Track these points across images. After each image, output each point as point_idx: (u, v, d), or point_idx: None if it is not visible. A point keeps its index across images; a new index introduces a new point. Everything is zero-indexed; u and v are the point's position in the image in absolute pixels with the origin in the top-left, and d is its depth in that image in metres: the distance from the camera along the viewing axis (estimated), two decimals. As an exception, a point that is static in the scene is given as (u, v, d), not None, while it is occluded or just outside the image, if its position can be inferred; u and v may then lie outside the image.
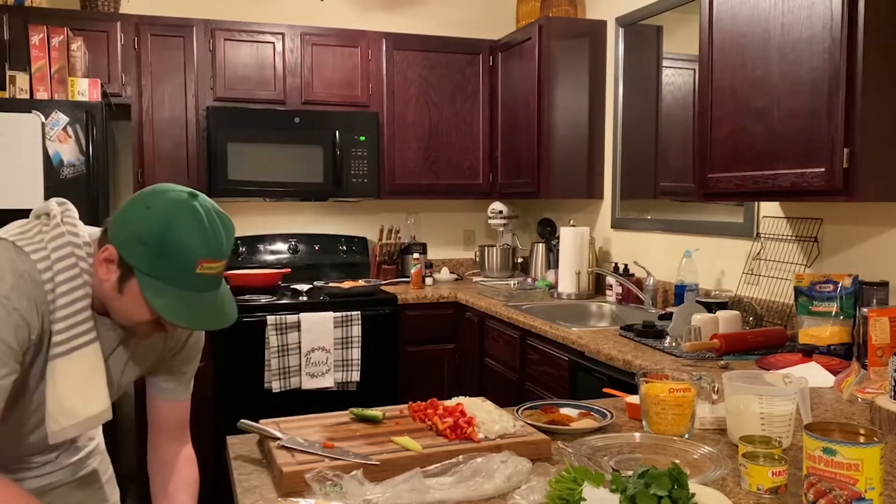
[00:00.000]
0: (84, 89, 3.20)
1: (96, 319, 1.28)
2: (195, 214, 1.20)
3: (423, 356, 3.74)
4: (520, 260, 4.28)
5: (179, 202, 1.21)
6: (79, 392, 1.24)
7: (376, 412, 1.51)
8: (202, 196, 1.25)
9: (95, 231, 1.33)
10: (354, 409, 1.53)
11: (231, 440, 1.49)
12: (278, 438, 1.37)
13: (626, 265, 3.41)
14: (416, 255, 4.07)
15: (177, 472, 1.50)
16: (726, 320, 2.33)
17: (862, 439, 1.12)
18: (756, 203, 2.69)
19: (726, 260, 2.86)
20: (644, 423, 1.52)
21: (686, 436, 1.47)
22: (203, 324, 1.26)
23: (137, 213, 1.21)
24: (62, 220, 1.27)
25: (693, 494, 1.05)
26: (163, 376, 1.48)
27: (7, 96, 3.12)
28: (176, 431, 1.53)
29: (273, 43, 3.77)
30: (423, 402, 1.56)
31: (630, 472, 1.11)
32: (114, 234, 1.22)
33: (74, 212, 1.31)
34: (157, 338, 1.39)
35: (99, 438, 1.61)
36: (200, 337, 1.51)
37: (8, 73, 3.14)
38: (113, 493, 1.61)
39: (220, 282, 1.27)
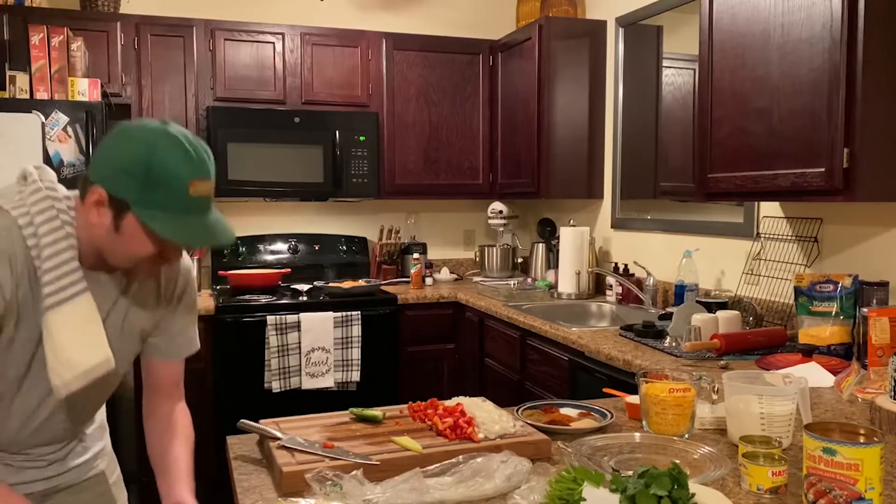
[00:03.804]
0: (84, 89, 3.20)
1: (89, 276, 1.28)
2: (175, 139, 1.21)
3: (423, 356, 3.74)
4: (520, 260, 4.28)
5: (156, 129, 1.21)
6: (76, 343, 1.24)
7: (376, 412, 1.51)
8: (173, 123, 1.25)
9: (72, 193, 1.33)
10: (354, 409, 1.53)
11: (231, 440, 1.49)
12: (278, 438, 1.37)
13: (626, 265, 3.41)
14: (416, 255, 4.07)
15: (171, 425, 1.49)
16: (726, 320, 2.33)
17: (862, 439, 1.12)
18: (756, 203, 2.69)
19: (726, 260, 2.86)
20: (644, 423, 1.52)
21: (686, 436, 1.47)
22: (207, 241, 1.26)
23: (118, 148, 1.21)
24: (40, 180, 1.27)
25: (693, 494, 1.05)
26: (158, 337, 1.48)
27: (7, 96, 3.11)
28: (170, 389, 1.53)
29: (273, 43, 3.77)
30: (423, 402, 1.56)
31: (630, 472, 1.11)
32: (98, 175, 1.22)
33: (52, 174, 1.31)
34: (152, 291, 1.40)
35: (106, 440, 1.62)
36: (193, 292, 1.52)
37: (8, 73, 3.14)
38: (120, 495, 1.62)
39: (211, 204, 1.27)
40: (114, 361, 1.29)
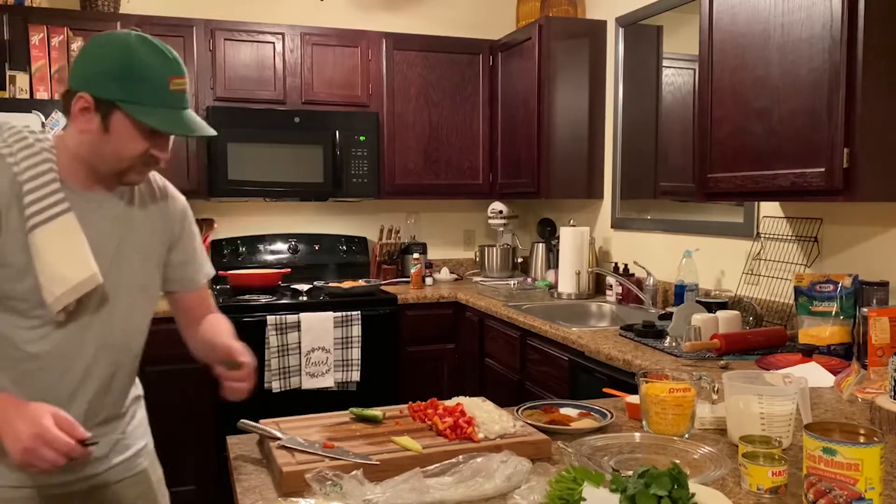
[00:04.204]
0: (84, 89, 3.20)
1: (86, 197, 1.35)
2: (147, 40, 1.31)
3: (423, 356, 3.74)
4: (520, 260, 4.27)
5: (126, 35, 1.31)
6: (64, 259, 1.29)
7: (376, 412, 1.51)
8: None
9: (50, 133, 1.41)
10: (354, 409, 1.53)
11: (231, 440, 1.50)
12: (278, 438, 1.37)
13: (626, 265, 3.41)
14: (416, 255, 4.07)
15: (209, 321, 1.60)
16: (726, 320, 2.33)
17: (862, 439, 1.12)
18: (756, 203, 2.69)
19: (726, 260, 2.86)
20: (644, 423, 1.52)
21: (686, 436, 1.47)
22: (193, 130, 1.34)
23: (94, 56, 1.30)
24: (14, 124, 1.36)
25: (693, 494, 1.05)
26: (175, 270, 1.55)
27: (7, 96, 3.12)
28: (202, 310, 1.63)
29: (273, 43, 3.77)
30: (423, 402, 1.56)
31: (630, 472, 1.11)
32: (80, 83, 1.29)
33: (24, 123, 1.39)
34: (154, 210, 1.47)
35: (148, 439, 1.64)
36: (194, 223, 1.59)
37: (8, 73, 3.14)
38: (163, 494, 1.64)
39: (188, 102, 1.35)
40: (100, 277, 1.33)
